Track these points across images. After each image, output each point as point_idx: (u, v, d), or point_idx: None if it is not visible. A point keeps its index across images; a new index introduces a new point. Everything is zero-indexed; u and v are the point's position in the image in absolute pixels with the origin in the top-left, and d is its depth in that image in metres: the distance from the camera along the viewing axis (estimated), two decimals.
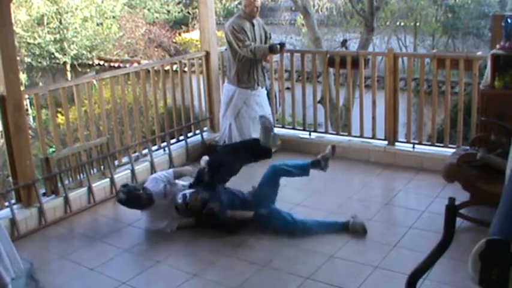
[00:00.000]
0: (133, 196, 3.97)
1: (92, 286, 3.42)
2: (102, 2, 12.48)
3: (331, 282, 3.26)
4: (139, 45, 13.06)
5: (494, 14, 8.12)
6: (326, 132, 5.82)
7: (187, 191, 3.91)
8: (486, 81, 4.28)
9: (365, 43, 10.05)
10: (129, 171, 4.95)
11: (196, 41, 12.15)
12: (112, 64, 12.01)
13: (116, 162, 5.01)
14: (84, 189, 4.59)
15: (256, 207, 3.95)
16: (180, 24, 14.43)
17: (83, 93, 5.66)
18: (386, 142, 5.31)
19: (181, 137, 5.69)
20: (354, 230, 3.87)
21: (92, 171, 4.71)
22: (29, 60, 11.94)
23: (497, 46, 4.22)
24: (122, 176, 4.88)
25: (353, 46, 10.90)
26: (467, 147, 4.20)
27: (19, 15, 11.69)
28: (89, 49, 12.38)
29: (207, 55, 5.82)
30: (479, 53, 5.34)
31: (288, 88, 6.23)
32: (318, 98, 6.60)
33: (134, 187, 4.07)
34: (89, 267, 3.60)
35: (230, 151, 4.18)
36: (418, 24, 11.97)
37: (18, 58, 5.37)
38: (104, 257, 3.73)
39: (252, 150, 4.07)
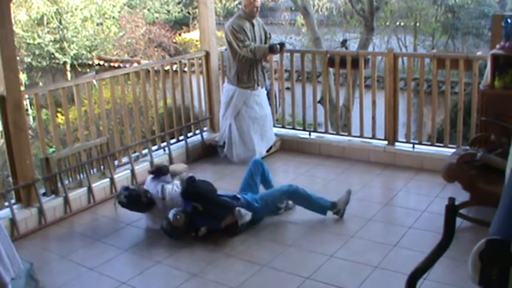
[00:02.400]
0: (134, 200, 4.03)
1: (92, 286, 3.42)
2: (102, 2, 12.47)
3: (331, 282, 3.26)
4: (140, 45, 13.05)
5: (494, 14, 8.11)
6: (326, 132, 5.82)
7: (171, 212, 3.88)
8: (486, 81, 4.28)
9: (365, 43, 10.06)
10: (129, 171, 4.95)
11: (196, 41, 12.15)
12: (112, 64, 12.00)
13: (116, 162, 5.01)
14: (84, 189, 4.59)
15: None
16: (180, 24, 14.43)
17: (82, 93, 5.66)
18: (386, 142, 5.31)
19: (181, 137, 5.69)
20: (340, 202, 4.11)
21: (92, 171, 4.71)
22: (29, 60, 11.93)
23: (497, 46, 4.22)
24: (122, 176, 4.88)
25: (353, 46, 10.89)
26: (467, 147, 4.20)
27: (19, 15, 11.68)
28: (88, 49, 12.38)
29: (207, 55, 5.82)
30: (479, 53, 5.34)
31: (288, 88, 6.23)
32: (318, 98, 6.60)
33: (135, 190, 4.09)
34: (89, 267, 3.60)
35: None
36: (418, 24, 11.97)
37: (18, 58, 5.37)
38: (104, 257, 3.73)
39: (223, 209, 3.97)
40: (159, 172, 4.25)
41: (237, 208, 3.89)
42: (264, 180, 4.42)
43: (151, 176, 4.27)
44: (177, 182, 4.17)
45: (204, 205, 3.87)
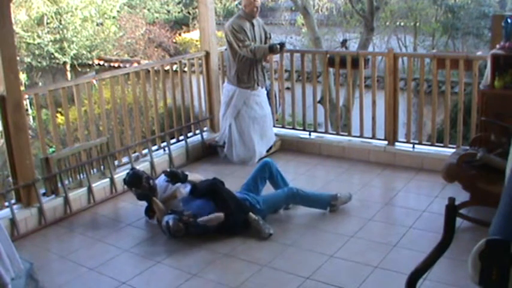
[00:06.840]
0: (134, 181, 4.14)
1: (92, 286, 3.42)
2: (102, 2, 12.47)
3: (331, 282, 3.26)
4: (139, 45, 13.06)
5: (494, 14, 8.12)
6: (326, 132, 5.82)
7: (171, 217, 3.88)
8: (486, 81, 4.28)
9: (365, 43, 10.06)
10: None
11: (196, 41, 12.16)
12: (112, 64, 12.01)
13: (116, 162, 5.01)
14: (84, 189, 4.59)
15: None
16: (180, 24, 14.44)
17: (82, 93, 5.65)
18: (386, 142, 5.31)
19: (181, 137, 5.69)
20: (341, 200, 4.22)
21: (92, 171, 4.71)
22: (29, 60, 11.94)
23: (497, 46, 4.22)
24: (122, 176, 4.86)
25: (353, 46, 10.90)
26: (467, 147, 4.20)
27: (19, 15, 11.71)
28: (88, 49, 12.38)
29: (207, 55, 5.82)
30: (479, 53, 5.34)
31: (288, 88, 6.23)
32: (318, 98, 6.60)
33: (139, 173, 4.20)
34: (89, 267, 3.60)
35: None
36: (418, 24, 11.97)
37: (18, 58, 5.37)
38: (104, 257, 3.73)
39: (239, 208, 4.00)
40: (175, 178, 4.15)
41: (254, 217, 3.91)
42: (273, 181, 4.40)
43: (165, 178, 4.20)
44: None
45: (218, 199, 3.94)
